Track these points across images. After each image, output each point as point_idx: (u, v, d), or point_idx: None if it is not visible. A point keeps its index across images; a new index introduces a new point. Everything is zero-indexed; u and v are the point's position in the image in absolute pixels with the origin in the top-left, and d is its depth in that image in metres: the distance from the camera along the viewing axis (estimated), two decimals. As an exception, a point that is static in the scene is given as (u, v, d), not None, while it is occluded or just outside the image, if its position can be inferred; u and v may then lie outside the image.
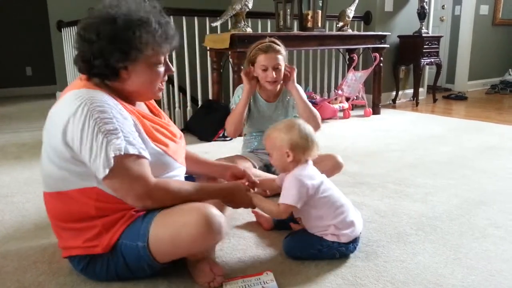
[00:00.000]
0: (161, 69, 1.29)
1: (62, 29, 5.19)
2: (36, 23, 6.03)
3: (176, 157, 1.34)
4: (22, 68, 6.27)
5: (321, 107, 4.08)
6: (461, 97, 5.33)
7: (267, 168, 2.24)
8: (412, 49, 4.74)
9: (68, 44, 5.13)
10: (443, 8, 6.21)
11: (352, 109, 4.44)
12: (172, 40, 1.29)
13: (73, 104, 1.15)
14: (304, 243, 1.44)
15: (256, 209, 1.52)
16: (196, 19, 3.70)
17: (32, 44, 6.17)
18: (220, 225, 1.18)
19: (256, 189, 1.55)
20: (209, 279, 1.28)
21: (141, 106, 1.38)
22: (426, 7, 4.73)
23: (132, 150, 1.15)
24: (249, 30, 3.43)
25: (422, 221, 1.75)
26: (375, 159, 2.70)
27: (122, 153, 1.13)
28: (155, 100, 1.45)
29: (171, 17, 3.46)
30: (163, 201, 1.21)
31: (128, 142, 1.15)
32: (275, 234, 1.63)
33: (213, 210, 1.18)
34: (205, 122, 3.42)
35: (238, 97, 2.22)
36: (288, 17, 3.68)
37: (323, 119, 4.06)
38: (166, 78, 1.34)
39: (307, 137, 1.43)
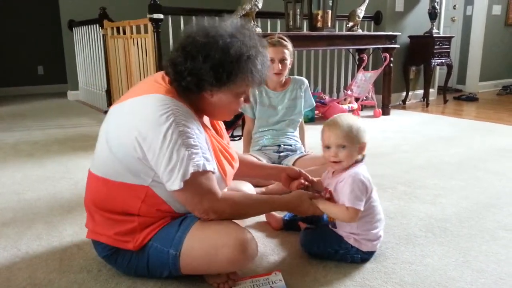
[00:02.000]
0: (242, 98, 1.30)
1: (74, 29, 5.24)
2: (48, 22, 6.09)
3: (228, 182, 1.35)
4: (34, 67, 6.34)
5: (330, 107, 4.07)
6: (472, 98, 5.28)
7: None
8: (422, 49, 4.70)
9: (79, 43, 5.19)
10: (454, 8, 6.15)
11: (362, 110, 4.42)
12: (264, 78, 1.29)
13: (158, 111, 1.14)
14: (324, 239, 1.43)
15: None
16: (206, 19, 3.70)
17: (43, 44, 6.24)
18: (255, 251, 1.23)
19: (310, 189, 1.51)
20: (222, 280, 1.28)
21: (205, 118, 1.37)
22: (437, 7, 4.70)
23: (209, 167, 1.17)
24: (258, 30, 3.44)
25: (431, 223, 1.74)
26: (384, 160, 2.69)
27: (200, 170, 1.14)
28: None
29: (181, 17, 3.50)
30: (227, 215, 1.23)
31: (206, 159, 1.17)
32: (284, 234, 1.63)
33: (250, 236, 1.22)
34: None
35: None
36: (298, 17, 3.67)
37: (332, 120, 4.05)
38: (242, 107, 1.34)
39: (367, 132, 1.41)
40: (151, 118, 1.14)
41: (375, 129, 3.63)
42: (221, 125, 1.49)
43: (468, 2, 6.01)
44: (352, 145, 1.37)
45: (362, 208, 1.32)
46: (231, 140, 3.28)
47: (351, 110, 4.13)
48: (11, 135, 3.51)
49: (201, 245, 1.19)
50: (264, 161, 2.21)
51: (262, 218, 1.75)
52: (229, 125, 3.32)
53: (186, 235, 1.20)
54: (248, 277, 1.32)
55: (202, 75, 1.18)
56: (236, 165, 1.43)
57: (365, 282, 1.32)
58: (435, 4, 4.63)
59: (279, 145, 2.31)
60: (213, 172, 1.19)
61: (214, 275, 1.29)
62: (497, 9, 5.88)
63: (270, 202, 1.36)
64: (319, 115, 4.18)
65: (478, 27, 5.82)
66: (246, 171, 1.56)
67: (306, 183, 1.50)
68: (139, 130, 1.14)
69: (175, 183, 1.13)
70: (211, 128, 1.37)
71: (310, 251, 1.45)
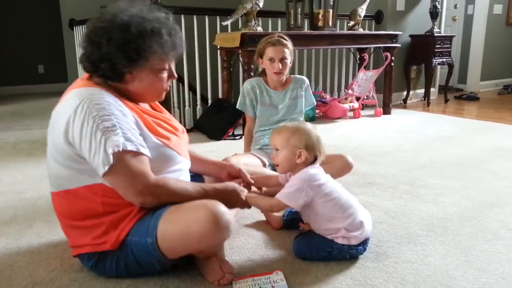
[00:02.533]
0: (165, 75, 1.30)
1: (74, 28, 5.24)
2: (49, 21, 6.09)
3: (178, 150, 1.34)
4: (35, 66, 6.34)
5: (331, 106, 4.07)
6: (473, 98, 5.28)
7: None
8: (423, 48, 4.70)
9: (80, 42, 5.18)
10: (455, 8, 6.14)
11: (363, 109, 4.42)
12: (179, 49, 1.30)
13: (74, 103, 1.17)
14: (314, 245, 1.44)
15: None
16: (206, 18, 3.71)
17: (44, 42, 6.24)
18: (228, 222, 1.19)
19: (252, 188, 1.53)
20: (218, 276, 1.29)
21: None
22: (439, 6, 4.69)
23: (130, 147, 1.16)
24: (259, 29, 3.43)
25: (432, 222, 1.74)
26: (385, 160, 2.68)
27: (120, 149, 1.14)
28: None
29: (182, 15, 3.50)
30: (162, 199, 1.22)
31: (126, 138, 1.16)
32: (284, 234, 1.63)
33: (221, 207, 1.19)
34: (215, 121, 3.42)
35: (244, 98, 2.32)
36: (299, 16, 3.67)
37: (333, 119, 4.05)
38: (169, 83, 1.34)
39: (320, 140, 1.43)
40: (67, 114, 1.17)
41: (376, 129, 3.63)
42: (157, 103, 1.48)
43: (469, 1, 6.00)
44: (285, 150, 1.42)
45: (291, 205, 1.38)
46: (232, 139, 3.29)
47: (352, 109, 4.13)
48: (11, 134, 3.51)
49: (174, 226, 1.18)
50: (265, 160, 2.21)
51: (262, 217, 1.75)
52: (229, 125, 3.32)
53: (159, 221, 1.20)
54: (249, 275, 1.32)
55: (112, 58, 1.19)
56: (183, 135, 1.43)
57: (366, 281, 1.32)
58: (436, 3, 4.62)
59: (280, 144, 2.30)
60: (139, 153, 1.18)
61: (211, 272, 1.29)
62: (498, 8, 5.87)
63: (206, 189, 1.31)
64: (320, 114, 4.18)
65: (479, 27, 5.81)
66: None
67: (243, 184, 1.49)
68: (63, 129, 1.17)
69: (100, 168, 1.14)
70: (145, 107, 1.36)
71: (304, 257, 1.45)
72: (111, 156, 1.13)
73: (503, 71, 6.25)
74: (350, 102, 4.21)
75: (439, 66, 5.18)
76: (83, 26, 4.93)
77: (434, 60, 4.66)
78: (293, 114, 2.33)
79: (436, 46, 4.64)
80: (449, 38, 4.83)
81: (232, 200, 1.37)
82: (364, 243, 1.45)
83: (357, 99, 4.25)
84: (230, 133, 3.36)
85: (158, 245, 1.20)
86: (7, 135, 3.45)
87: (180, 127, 1.46)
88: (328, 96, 4.41)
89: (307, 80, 2.39)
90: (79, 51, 5.27)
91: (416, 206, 1.91)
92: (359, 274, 1.36)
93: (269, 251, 1.51)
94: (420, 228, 1.69)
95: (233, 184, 1.40)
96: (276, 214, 1.68)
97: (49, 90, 6.30)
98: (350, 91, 4.25)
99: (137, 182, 1.17)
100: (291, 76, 2.38)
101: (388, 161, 2.66)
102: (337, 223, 1.41)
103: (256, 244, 1.56)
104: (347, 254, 1.42)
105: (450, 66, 4.93)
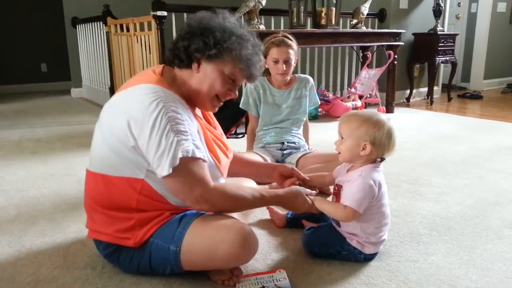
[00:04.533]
0: (228, 83, 1.29)
1: (77, 26, 5.24)
2: (52, 19, 6.09)
3: (224, 171, 1.36)
4: (37, 64, 6.35)
5: (334, 105, 4.06)
6: (476, 96, 5.26)
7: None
8: (427, 47, 4.68)
9: (83, 40, 5.19)
10: (459, 6, 6.12)
11: (365, 107, 4.40)
12: (253, 70, 1.29)
13: (148, 98, 1.16)
14: (326, 240, 1.42)
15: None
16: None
17: (47, 41, 6.24)
18: (255, 245, 1.23)
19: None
20: (224, 277, 1.28)
21: (198, 112, 1.39)
22: (442, 5, 4.67)
23: (198, 154, 1.17)
24: (262, 27, 3.43)
25: (435, 221, 1.74)
26: (388, 158, 2.66)
27: (190, 155, 1.14)
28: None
29: (185, 14, 3.49)
30: (219, 206, 1.22)
31: (196, 146, 1.17)
32: (288, 232, 1.63)
33: (249, 230, 1.21)
34: (218, 119, 3.42)
35: (247, 97, 2.33)
36: (302, 14, 3.66)
37: (336, 117, 4.04)
38: (226, 98, 1.33)
39: (392, 138, 1.34)
40: (140, 105, 1.15)
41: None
42: (213, 117, 1.50)
43: (472, -1, 5.98)
44: (350, 139, 1.33)
45: (361, 211, 1.30)
46: (234, 138, 3.29)
47: (355, 108, 4.12)
48: (14, 132, 3.52)
49: (201, 241, 1.19)
50: (268, 158, 2.21)
51: (266, 215, 1.74)
52: (232, 123, 3.32)
53: (186, 231, 1.20)
54: (252, 274, 1.32)
55: (191, 39, 1.23)
56: (231, 155, 1.44)
57: (369, 280, 1.32)
58: (440, 1, 4.61)
59: (283, 143, 2.30)
60: (203, 160, 1.19)
61: (217, 272, 1.29)
62: (502, 7, 5.84)
63: (265, 195, 1.32)
64: (322, 112, 4.17)
65: (483, 25, 5.78)
66: (237, 169, 1.55)
67: (298, 182, 1.50)
68: (129, 118, 1.15)
69: (164, 169, 1.13)
70: (202, 118, 1.38)
71: (312, 251, 1.44)
72: (178, 160, 1.12)
73: (507, 70, 6.22)
74: (353, 100, 4.20)
75: (442, 65, 5.17)
76: (86, 24, 4.94)
77: (437, 58, 4.65)
78: (297, 114, 2.33)
79: (440, 44, 4.63)
80: (452, 37, 4.81)
81: (298, 205, 1.37)
82: (374, 254, 1.43)
83: (360, 97, 4.25)
84: (233, 132, 3.36)
85: (180, 255, 1.20)
86: (11, 133, 3.46)
87: (230, 146, 1.46)
88: (331, 95, 4.40)
89: (311, 80, 2.39)
90: (82, 50, 5.29)
91: (419, 205, 1.91)
92: (362, 273, 1.35)
93: (272, 249, 1.51)
94: (423, 227, 1.68)
95: (298, 189, 1.39)
96: (279, 212, 1.68)
97: (52, 88, 6.30)
98: (353, 90, 4.24)
99: (196, 188, 1.17)
100: (296, 75, 2.37)
101: (391, 159, 2.62)
102: (366, 230, 1.37)
103: (259, 242, 1.56)
104: (352, 258, 1.40)
105: (454, 65, 4.92)
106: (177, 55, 1.25)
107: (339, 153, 1.38)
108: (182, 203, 1.22)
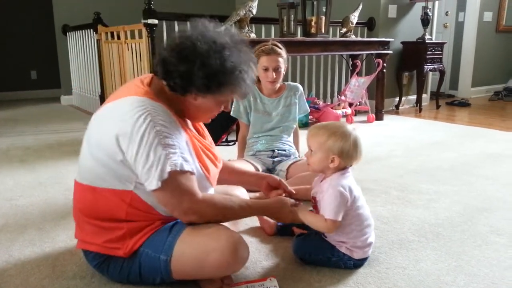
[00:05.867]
0: (223, 105, 1.33)
1: (68, 33, 5.23)
2: (42, 27, 6.07)
3: (213, 181, 1.36)
4: (27, 71, 6.30)
5: (324, 112, 4.09)
6: (464, 104, 5.33)
7: (269, 171, 2.26)
8: (415, 55, 4.74)
9: (73, 48, 5.17)
10: (446, 15, 6.21)
11: (355, 115, 4.44)
12: (248, 92, 1.31)
13: (136, 111, 1.15)
14: (316, 247, 1.43)
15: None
16: (200, 22, 3.71)
17: (37, 48, 6.21)
18: (246, 254, 1.23)
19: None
20: (216, 286, 1.28)
21: (186, 121, 1.39)
22: (430, 14, 4.74)
23: (186, 167, 1.17)
24: (253, 35, 3.45)
25: (424, 228, 1.75)
26: (377, 165, 2.70)
27: (178, 169, 1.14)
28: None
29: (176, 22, 3.51)
30: (208, 217, 1.23)
31: (184, 159, 1.18)
32: (278, 240, 1.63)
33: (240, 239, 1.22)
34: (208, 127, 3.41)
35: (238, 105, 2.34)
36: (292, 22, 3.70)
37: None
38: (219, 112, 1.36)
39: (358, 148, 1.38)
40: (128, 119, 1.15)
41: (369, 134, 3.65)
42: (203, 126, 1.50)
43: (460, 8, 6.08)
44: (319, 152, 1.38)
45: (339, 219, 1.33)
46: (225, 145, 3.29)
47: (345, 115, 4.16)
48: (3, 140, 3.49)
49: (191, 250, 1.19)
50: (258, 166, 2.22)
51: (256, 223, 1.75)
52: (223, 130, 3.33)
53: (176, 240, 1.20)
54: (243, 282, 1.32)
55: (193, 81, 1.19)
56: (220, 165, 1.44)
57: (359, 287, 1.32)
58: (428, 10, 4.68)
59: (273, 150, 2.31)
60: (192, 173, 1.20)
61: (208, 281, 1.28)
62: (488, 16, 5.95)
63: (251, 206, 1.35)
64: (313, 120, 4.20)
65: (470, 34, 5.88)
66: (226, 178, 1.56)
67: (284, 194, 1.51)
68: (117, 131, 1.15)
69: (152, 183, 1.13)
70: (192, 129, 1.38)
71: (302, 257, 1.45)
72: (167, 174, 1.13)
73: (494, 78, 6.33)
74: (343, 108, 4.23)
75: (430, 73, 5.23)
76: (76, 32, 4.93)
77: (425, 66, 4.71)
78: (287, 121, 2.35)
79: (428, 52, 4.69)
80: (440, 45, 4.88)
81: (283, 215, 1.39)
82: (364, 260, 1.45)
83: (350, 105, 4.28)
84: (224, 139, 3.36)
85: (171, 265, 1.20)
86: (-1, 142, 3.43)
87: (219, 155, 1.46)
88: (321, 102, 4.43)
89: (301, 88, 2.41)
90: (72, 57, 5.26)
91: (408, 212, 1.93)
92: (351, 280, 1.36)
93: (263, 257, 1.51)
94: (412, 234, 1.70)
95: (283, 200, 1.41)
96: (270, 220, 1.68)
97: (41, 96, 6.26)
98: (343, 97, 4.27)
99: (185, 200, 1.17)
100: (285, 83, 2.39)
101: (380, 166, 2.67)
102: (350, 236, 1.40)
103: (249, 250, 1.56)
104: (342, 265, 1.41)
105: (442, 73, 4.99)
106: (172, 87, 1.22)
107: (309, 164, 1.43)
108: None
